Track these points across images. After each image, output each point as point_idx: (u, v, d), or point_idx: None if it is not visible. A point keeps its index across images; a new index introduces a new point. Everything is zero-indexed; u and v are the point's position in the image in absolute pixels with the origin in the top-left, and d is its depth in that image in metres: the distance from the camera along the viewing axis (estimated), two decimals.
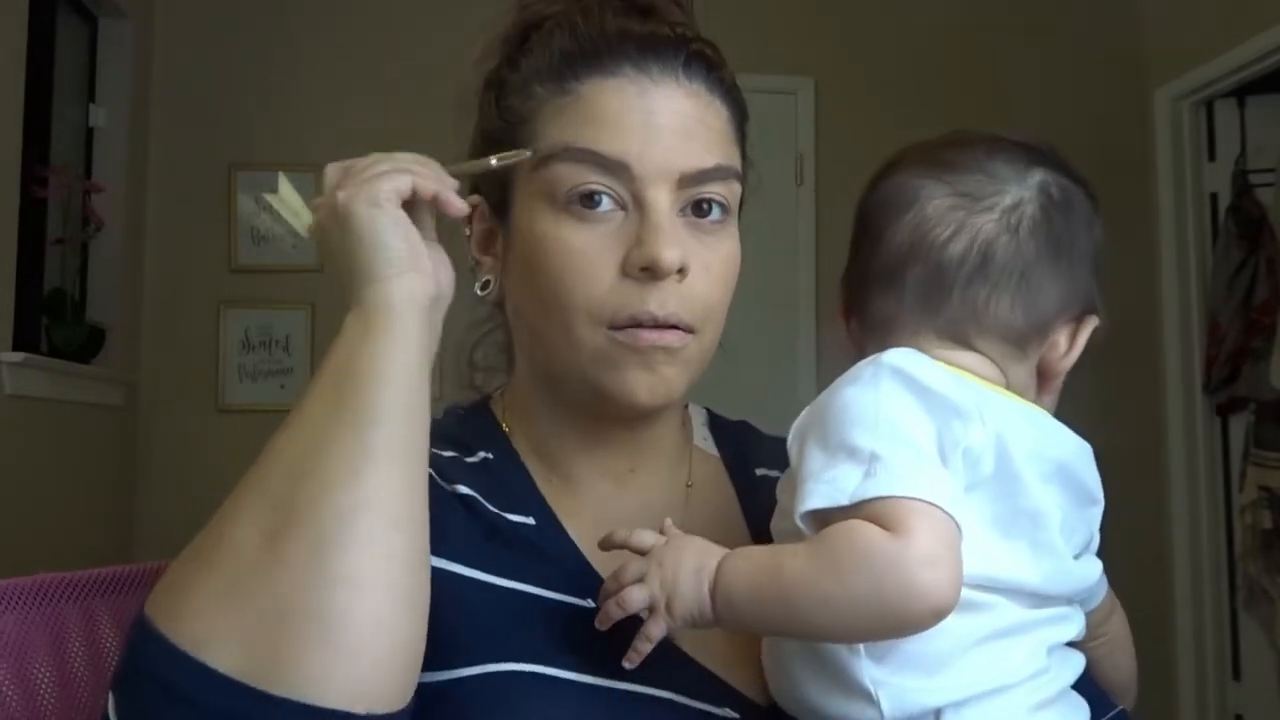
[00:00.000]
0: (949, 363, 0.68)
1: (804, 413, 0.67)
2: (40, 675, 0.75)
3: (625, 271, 0.68)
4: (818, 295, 3.44)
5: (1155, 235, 3.46)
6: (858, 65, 3.55)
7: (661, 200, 0.68)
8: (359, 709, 0.51)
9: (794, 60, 3.51)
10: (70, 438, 2.86)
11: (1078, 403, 0.76)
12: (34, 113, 2.66)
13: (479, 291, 0.76)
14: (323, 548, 0.52)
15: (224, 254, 3.36)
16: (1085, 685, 0.71)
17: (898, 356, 0.65)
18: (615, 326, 0.68)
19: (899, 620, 0.58)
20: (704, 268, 0.70)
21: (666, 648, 0.66)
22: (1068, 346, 0.71)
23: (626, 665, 0.63)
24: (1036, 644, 0.66)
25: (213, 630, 0.51)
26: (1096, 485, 0.69)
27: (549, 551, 0.71)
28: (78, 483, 2.83)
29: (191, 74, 3.36)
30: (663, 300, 0.68)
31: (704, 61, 0.72)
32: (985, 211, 0.69)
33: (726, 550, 0.63)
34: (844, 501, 0.59)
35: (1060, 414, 0.73)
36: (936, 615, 0.57)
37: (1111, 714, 0.78)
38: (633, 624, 0.63)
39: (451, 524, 0.67)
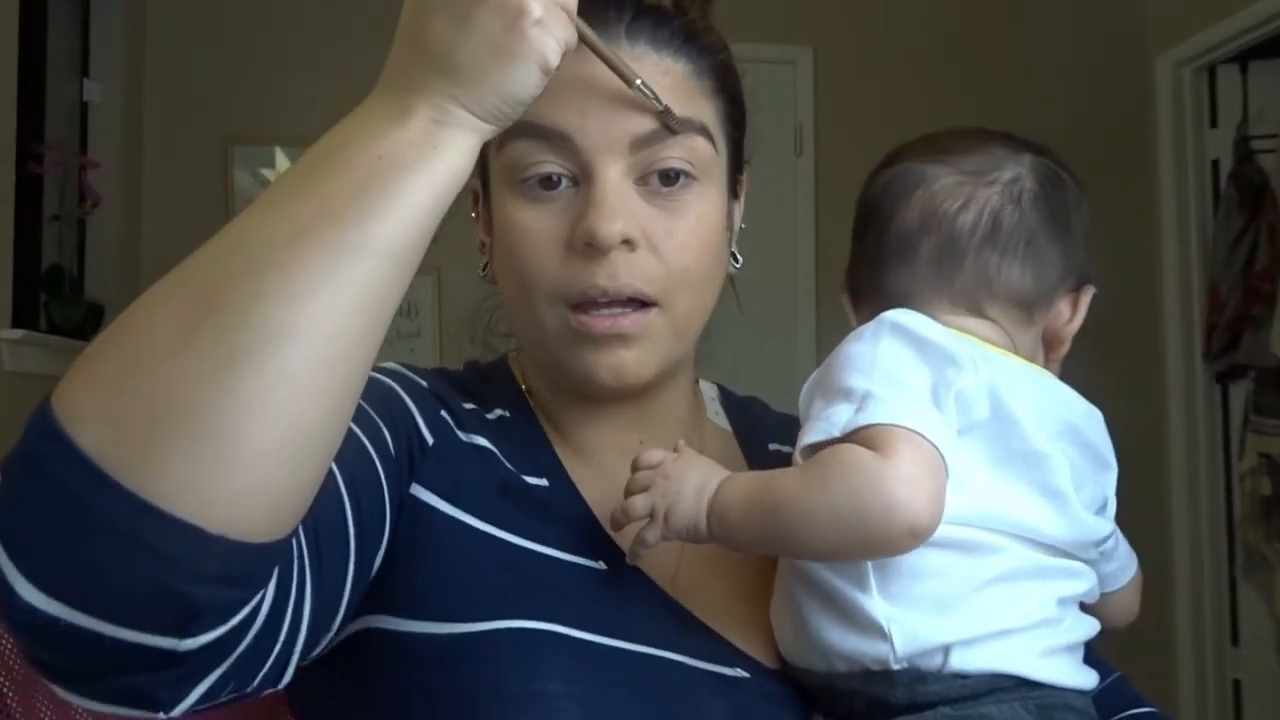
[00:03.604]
0: (959, 328, 0.71)
1: (812, 375, 0.71)
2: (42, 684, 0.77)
3: (573, 247, 0.68)
4: (817, 267, 3.44)
5: (1156, 202, 3.44)
6: (857, 34, 3.53)
7: (610, 170, 0.68)
8: (211, 527, 0.46)
9: (792, 30, 3.48)
10: None
11: (1077, 371, 0.77)
12: (28, 89, 2.64)
13: (480, 273, 0.78)
14: (237, 359, 0.46)
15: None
16: (1087, 651, 0.72)
17: (898, 314, 0.69)
18: (571, 305, 0.69)
19: (877, 537, 0.61)
20: (666, 234, 0.69)
21: (682, 614, 0.70)
22: (1071, 313, 0.76)
23: (629, 560, 0.68)
24: (1047, 593, 0.68)
25: (88, 408, 0.48)
26: (1108, 449, 0.73)
27: (562, 514, 0.72)
28: None
29: (186, 48, 3.33)
30: (612, 273, 0.67)
31: (651, 19, 0.69)
32: (990, 184, 0.74)
33: (731, 473, 0.67)
34: (836, 433, 0.64)
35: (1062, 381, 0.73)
36: (914, 535, 0.60)
37: (1110, 679, 0.79)
38: (641, 590, 0.69)
39: (467, 477, 0.69)
